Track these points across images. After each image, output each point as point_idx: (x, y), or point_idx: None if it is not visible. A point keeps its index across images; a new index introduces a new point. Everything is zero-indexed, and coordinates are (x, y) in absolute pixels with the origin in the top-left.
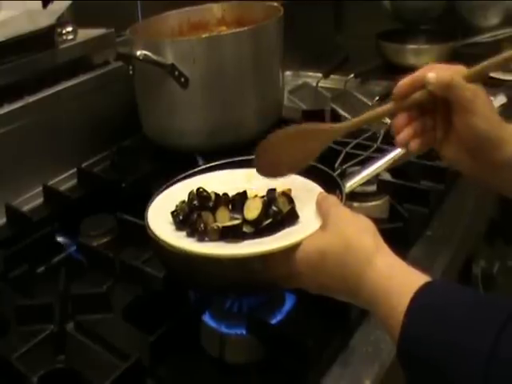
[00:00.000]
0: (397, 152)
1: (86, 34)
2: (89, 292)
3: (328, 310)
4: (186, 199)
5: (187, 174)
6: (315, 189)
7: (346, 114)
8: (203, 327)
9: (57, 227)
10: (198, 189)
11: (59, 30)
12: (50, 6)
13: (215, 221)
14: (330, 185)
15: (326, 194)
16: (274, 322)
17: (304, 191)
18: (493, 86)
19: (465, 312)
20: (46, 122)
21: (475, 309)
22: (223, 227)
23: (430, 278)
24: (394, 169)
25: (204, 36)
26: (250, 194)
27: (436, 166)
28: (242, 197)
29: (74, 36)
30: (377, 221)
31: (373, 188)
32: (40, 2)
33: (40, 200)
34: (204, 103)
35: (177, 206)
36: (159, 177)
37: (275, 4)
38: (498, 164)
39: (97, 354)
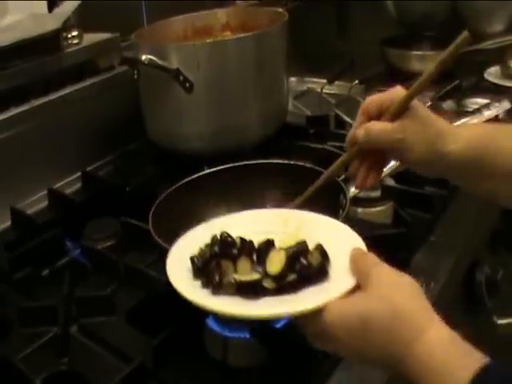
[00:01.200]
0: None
1: (91, 38)
2: (93, 295)
3: None
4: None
5: (191, 178)
6: (350, 239)
7: (350, 120)
8: (207, 330)
9: (61, 230)
10: (221, 233)
11: (65, 34)
12: (56, 10)
13: (236, 271)
14: (335, 190)
15: (362, 250)
16: (277, 325)
17: (336, 239)
18: (498, 92)
19: None
20: (52, 126)
21: None
22: (240, 282)
23: (484, 357)
24: (397, 174)
25: (209, 41)
26: (280, 240)
27: None
28: (267, 246)
29: (79, 40)
30: (380, 226)
31: (377, 193)
32: (46, 6)
33: (45, 203)
34: (208, 108)
35: (200, 250)
36: (163, 181)
37: (280, 10)
38: (450, 165)
39: (100, 357)
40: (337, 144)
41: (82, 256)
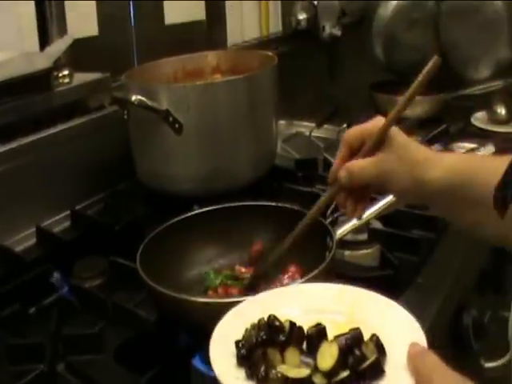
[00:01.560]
0: (387, 200)
1: (82, 77)
2: (80, 333)
3: None
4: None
5: (180, 218)
6: (408, 326)
7: None
8: (193, 370)
9: (49, 268)
10: (269, 317)
11: (56, 73)
12: (48, 49)
13: (283, 361)
14: (321, 232)
15: (421, 346)
16: None
17: (393, 326)
18: (483, 137)
19: None
20: (41, 164)
21: None
22: (288, 378)
23: None
24: (384, 217)
25: (199, 83)
26: (332, 322)
27: (427, 215)
28: (318, 336)
29: (70, 79)
30: (367, 268)
31: (364, 236)
32: (37, 45)
33: (33, 241)
34: (198, 149)
35: (246, 331)
36: (152, 220)
37: (269, 53)
38: (434, 197)
39: None
40: (325, 187)
41: (69, 294)
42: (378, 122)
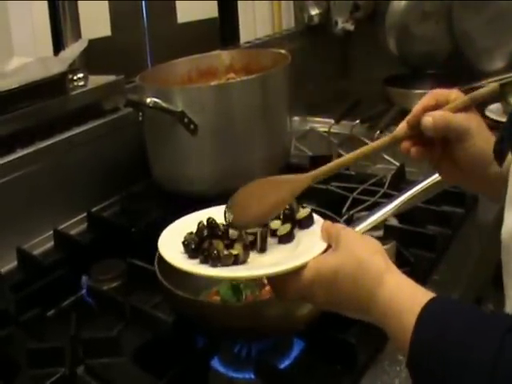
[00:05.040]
0: (404, 197)
1: (96, 80)
2: (99, 336)
3: (335, 354)
4: (195, 230)
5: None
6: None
7: None
8: (212, 371)
9: (67, 271)
10: (208, 219)
11: (70, 76)
12: (62, 54)
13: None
14: None
15: (330, 222)
16: (282, 366)
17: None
18: (497, 129)
19: (471, 319)
20: (57, 167)
21: (480, 317)
22: (236, 254)
23: (434, 295)
24: (400, 214)
25: (213, 84)
26: None
27: (442, 211)
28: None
29: (84, 82)
30: None
31: (380, 233)
32: (51, 48)
33: (51, 244)
34: (213, 150)
35: (185, 237)
36: (168, 222)
37: (282, 51)
38: (492, 177)
39: None
40: (341, 184)
41: (87, 297)
42: (454, 94)
